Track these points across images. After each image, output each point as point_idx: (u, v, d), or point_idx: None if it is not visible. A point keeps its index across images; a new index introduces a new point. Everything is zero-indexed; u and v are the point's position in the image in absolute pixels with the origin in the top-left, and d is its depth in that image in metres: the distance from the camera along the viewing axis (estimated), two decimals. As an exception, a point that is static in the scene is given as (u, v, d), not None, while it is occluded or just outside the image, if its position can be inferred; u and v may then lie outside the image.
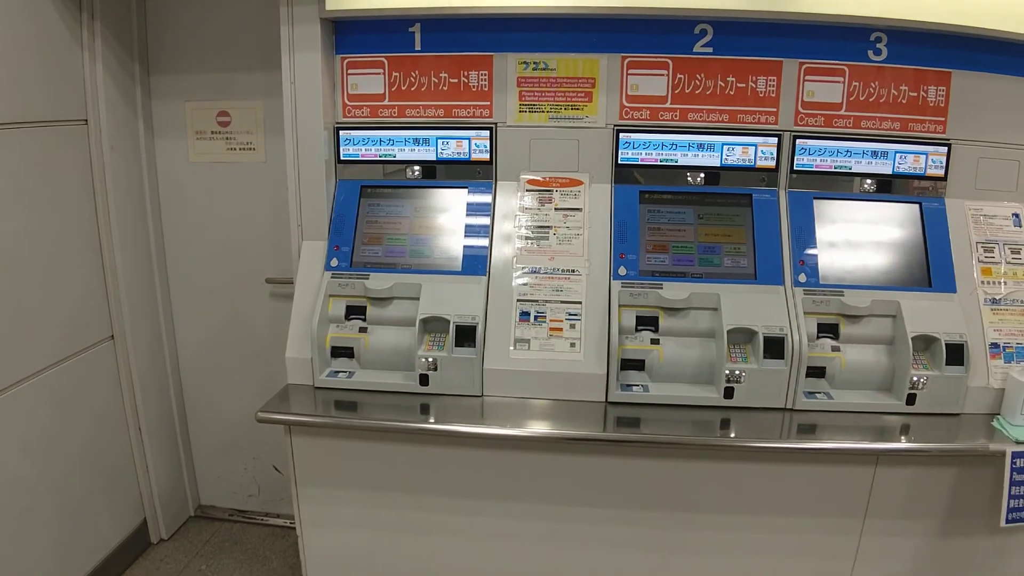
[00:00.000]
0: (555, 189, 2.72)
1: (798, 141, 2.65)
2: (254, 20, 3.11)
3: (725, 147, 2.67)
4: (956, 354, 2.40)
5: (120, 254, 3.19)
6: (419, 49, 2.72)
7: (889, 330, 2.51)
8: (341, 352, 2.63)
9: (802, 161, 2.66)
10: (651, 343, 2.52)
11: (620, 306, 2.52)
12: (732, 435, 2.36)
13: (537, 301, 2.58)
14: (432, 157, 2.76)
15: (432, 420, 2.43)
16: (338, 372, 2.60)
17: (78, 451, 3.07)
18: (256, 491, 3.78)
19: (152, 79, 3.31)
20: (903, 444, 2.35)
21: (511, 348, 2.53)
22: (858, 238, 2.65)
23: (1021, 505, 2.26)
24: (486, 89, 2.72)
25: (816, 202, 2.65)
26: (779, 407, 2.45)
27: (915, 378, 2.40)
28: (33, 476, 2.84)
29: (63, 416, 2.97)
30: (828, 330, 2.52)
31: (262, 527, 3.78)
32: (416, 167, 2.78)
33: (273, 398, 2.53)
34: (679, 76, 2.66)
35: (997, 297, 2.56)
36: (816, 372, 2.48)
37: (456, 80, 2.73)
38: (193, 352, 3.63)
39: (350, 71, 2.78)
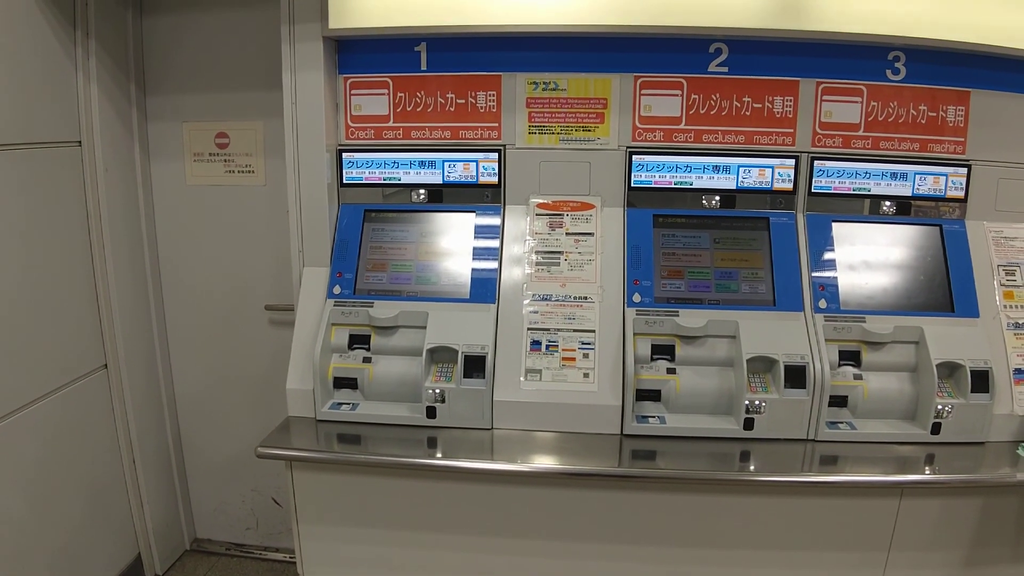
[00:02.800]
0: (566, 213, 2.65)
1: (816, 163, 2.60)
2: (254, 39, 3.06)
3: (741, 169, 2.62)
4: (981, 381, 2.35)
5: (114, 280, 3.11)
6: (425, 69, 2.67)
7: (912, 357, 2.45)
8: (344, 383, 2.55)
9: (820, 183, 2.61)
10: (667, 373, 2.45)
11: (635, 334, 2.45)
12: (752, 468, 2.31)
13: (549, 330, 2.51)
14: (438, 180, 2.70)
15: (440, 455, 2.36)
16: (341, 404, 2.53)
17: (71, 484, 2.98)
18: (255, 524, 3.68)
19: (148, 99, 3.24)
20: (929, 476, 2.29)
21: (522, 379, 2.46)
22: (878, 262, 2.60)
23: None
24: (494, 110, 2.66)
25: (835, 225, 2.60)
26: (801, 438, 2.39)
27: (940, 406, 2.34)
28: (24, 510, 2.75)
29: (55, 448, 2.88)
30: (849, 357, 2.46)
31: (261, 562, 3.67)
32: (422, 191, 2.71)
33: (274, 431, 2.46)
34: (694, 96, 2.61)
35: (1020, 321, 2.51)
36: (838, 401, 2.43)
37: (463, 101, 2.67)
38: (189, 381, 3.55)
39: (353, 91, 2.72)
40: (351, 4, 2.52)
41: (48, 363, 2.85)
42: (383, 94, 2.70)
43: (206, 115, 3.22)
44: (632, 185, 2.64)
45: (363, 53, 2.69)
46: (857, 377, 2.43)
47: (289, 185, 2.68)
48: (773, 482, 2.31)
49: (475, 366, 2.42)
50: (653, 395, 2.45)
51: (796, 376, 2.34)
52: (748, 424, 2.36)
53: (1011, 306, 2.52)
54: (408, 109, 2.70)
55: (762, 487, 2.33)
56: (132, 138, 3.20)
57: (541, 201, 2.68)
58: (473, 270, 2.60)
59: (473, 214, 2.68)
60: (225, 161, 3.24)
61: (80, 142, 2.95)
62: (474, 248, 2.64)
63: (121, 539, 3.33)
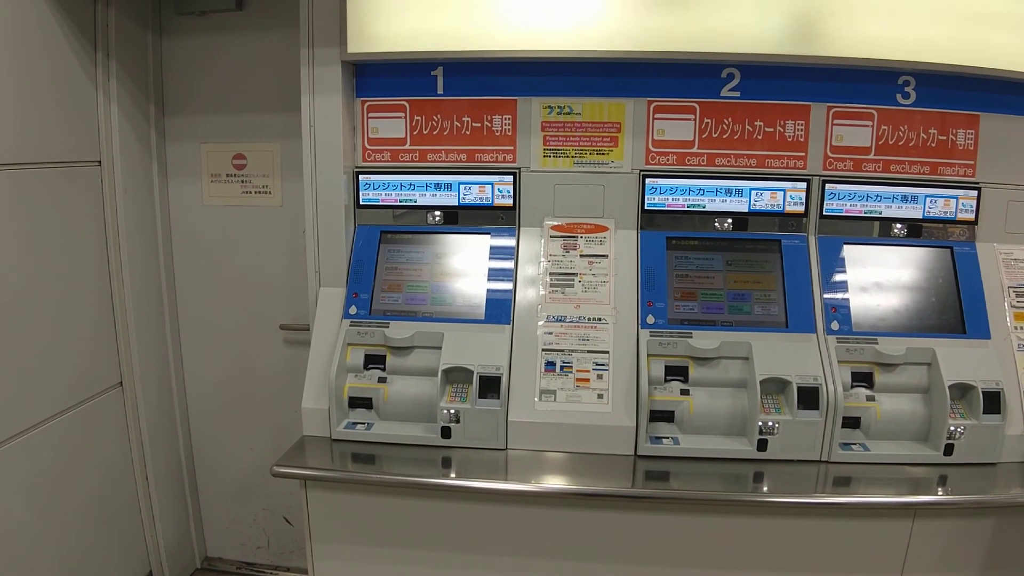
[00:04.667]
0: (580, 235, 2.67)
1: (827, 186, 2.62)
2: (271, 62, 3.09)
3: (753, 192, 2.64)
4: (993, 402, 2.35)
5: (131, 299, 3.13)
6: (442, 93, 2.70)
7: (924, 378, 2.46)
8: (359, 403, 2.56)
9: (831, 206, 2.63)
10: (681, 394, 2.45)
11: (649, 356, 2.46)
12: (765, 489, 2.31)
13: (563, 351, 2.52)
14: (454, 202, 2.72)
15: (454, 475, 2.37)
16: (356, 424, 2.53)
17: (84, 501, 2.98)
18: (265, 543, 3.67)
19: (167, 120, 3.28)
20: (942, 497, 2.29)
21: (536, 399, 2.46)
22: (890, 284, 2.61)
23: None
24: (510, 133, 2.69)
25: (846, 247, 2.61)
26: (814, 459, 2.39)
27: (952, 428, 2.34)
28: (37, 527, 2.75)
29: (69, 465, 2.89)
30: (862, 379, 2.47)
31: (271, 581, 3.68)
32: (437, 212, 2.73)
33: (289, 450, 2.47)
34: (706, 120, 2.64)
35: (1031, 343, 2.51)
36: (851, 422, 2.42)
37: (479, 124, 2.70)
38: (203, 399, 3.56)
39: (371, 114, 2.75)
40: (369, 29, 2.56)
41: (65, 380, 2.86)
42: (400, 117, 2.73)
43: (224, 136, 3.25)
44: (645, 208, 2.66)
45: (380, 77, 2.72)
46: (870, 398, 2.43)
47: (307, 206, 2.71)
48: (786, 503, 2.30)
49: (490, 386, 2.43)
50: (667, 416, 2.46)
51: (809, 397, 2.34)
52: (761, 445, 2.36)
53: (1022, 327, 2.53)
54: (424, 132, 2.73)
55: (775, 508, 2.33)
56: (151, 158, 3.22)
57: (555, 223, 2.70)
58: (488, 291, 2.62)
59: (488, 236, 2.70)
60: (242, 182, 3.27)
61: (100, 162, 2.98)
62: (489, 269, 2.65)
63: (133, 556, 3.32)
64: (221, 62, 3.18)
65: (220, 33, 3.15)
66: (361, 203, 2.76)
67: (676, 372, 2.48)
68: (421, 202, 2.74)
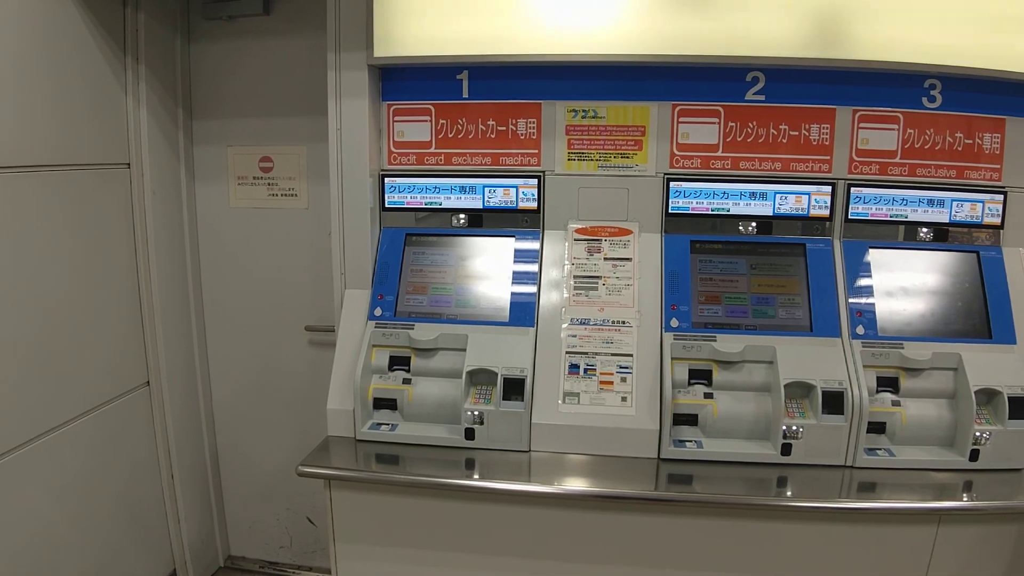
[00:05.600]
0: (604, 238, 2.68)
1: (853, 189, 2.61)
2: (298, 66, 3.12)
3: (778, 196, 2.63)
4: (1019, 408, 2.33)
5: (159, 299, 3.17)
6: (467, 96, 2.71)
7: (950, 383, 2.44)
8: (384, 404, 2.58)
9: (857, 210, 2.62)
10: (705, 397, 2.45)
11: (673, 359, 2.46)
12: (789, 494, 2.29)
13: (587, 353, 2.53)
14: (478, 205, 2.74)
15: (477, 476, 2.37)
16: (380, 424, 2.55)
17: (110, 498, 3.02)
18: (288, 542, 3.69)
19: (195, 124, 3.32)
20: (967, 503, 2.27)
21: (560, 402, 2.47)
22: (915, 288, 2.59)
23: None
24: (534, 137, 2.70)
25: (871, 251, 2.60)
26: (839, 464, 2.37)
27: (978, 433, 2.33)
28: (63, 524, 2.78)
29: (96, 463, 2.93)
30: (887, 383, 2.45)
31: (293, 580, 3.71)
32: (462, 215, 2.75)
33: (314, 450, 2.49)
34: (731, 124, 2.63)
35: (1057, 349, 2.48)
36: (876, 428, 2.41)
37: (504, 128, 2.71)
38: (228, 399, 3.59)
39: (396, 118, 2.77)
40: (395, 34, 2.58)
41: (94, 379, 2.90)
42: (425, 121, 2.75)
43: (250, 139, 3.28)
44: (670, 211, 2.67)
45: (406, 81, 2.74)
46: (895, 403, 2.41)
47: (333, 209, 2.73)
48: (810, 508, 2.28)
49: (514, 389, 2.44)
50: (690, 420, 2.45)
51: (834, 402, 2.33)
52: (785, 450, 2.35)
53: (1048, 333, 2.49)
54: (449, 135, 2.75)
55: (799, 513, 2.32)
56: (178, 161, 3.27)
57: (579, 226, 2.70)
58: (512, 294, 2.63)
59: (512, 239, 2.71)
60: (268, 184, 3.30)
61: (129, 164, 3.02)
62: (513, 272, 2.66)
63: (157, 554, 3.36)
64: (248, 66, 3.21)
65: (247, 38, 3.18)
66: (386, 206, 2.78)
67: (700, 375, 2.48)
68: (446, 205, 2.75)
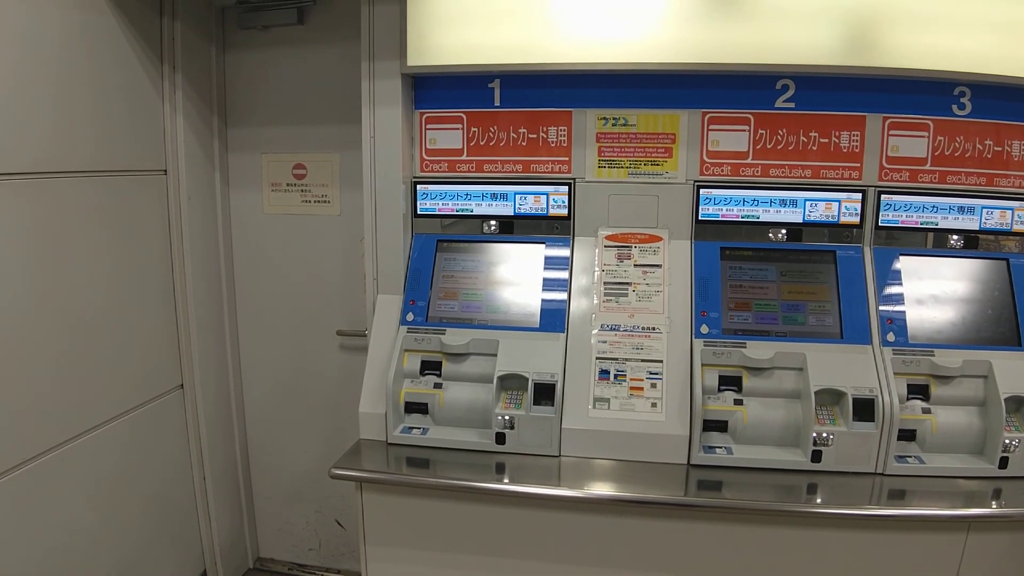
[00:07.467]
0: (634, 245, 2.69)
1: (883, 196, 2.61)
2: (332, 74, 3.16)
3: (808, 203, 2.64)
4: (1049, 416, 2.32)
5: (193, 304, 3.22)
6: (498, 105, 2.74)
7: (980, 391, 2.43)
8: (415, 408, 2.61)
9: (887, 217, 2.62)
10: (735, 404, 2.46)
11: (703, 365, 2.47)
12: (819, 501, 2.29)
13: (617, 359, 2.54)
14: (509, 212, 2.77)
15: (507, 480, 2.39)
16: (412, 428, 2.58)
17: (143, 499, 3.06)
18: (317, 545, 3.73)
19: (230, 131, 3.37)
20: (996, 510, 2.26)
21: (590, 407, 2.48)
22: (945, 295, 2.58)
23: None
24: (565, 145, 2.72)
25: (902, 258, 2.60)
26: (869, 471, 2.37)
27: (1008, 441, 2.31)
28: (97, 525, 2.82)
29: (131, 464, 2.97)
30: (918, 391, 2.45)
31: (322, 582, 3.74)
32: (493, 222, 2.78)
33: (346, 453, 2.52)
34: (760, 131, 2.64)
35: (1087, 357, 2.46)
36: (907, 435, 2.40)
37: (535, 136, 2.74)
38: (260, 403, 3.63)
39: (428, 126, 2.80)
40: (428, 43, 2.61)
41: (129, 382, 2.95)
42: (457, 129, 2.78)
43: (284, 147, 3.33)
44: (700, 218, 2.68)
45: (438, 89, 2.77)
46: (926, 411, 2.41)
47: (366, 215, 2.77)
48: (840, 515, 2.28)
49: (544, 394, 2.46)
50: (720, 426, 2.46)
51: (865, 409, 2.33)
52: (816, 456, 2.35)
53: (1079, 341, 2.48)
54: (481, 143, 2.77)
55: (829, 520, 2.31)
56: (213, 168, 3.32)
57: (610, 233, 2.72)
58: (543, 300, 2.65)
59: (543, 245, 2.74)
60: (302, 191, 3.35)
61: (165, 171, 3.07)
62: (544, 279, 2.69)
63: (188, 556, 3.40)
64: (282, 75, 3.27)
65: (282, 47, 3.24)
66: (418, 212, 2.82)
67: (730, 382, 2.49)
68: (477, 212, 2.79)
